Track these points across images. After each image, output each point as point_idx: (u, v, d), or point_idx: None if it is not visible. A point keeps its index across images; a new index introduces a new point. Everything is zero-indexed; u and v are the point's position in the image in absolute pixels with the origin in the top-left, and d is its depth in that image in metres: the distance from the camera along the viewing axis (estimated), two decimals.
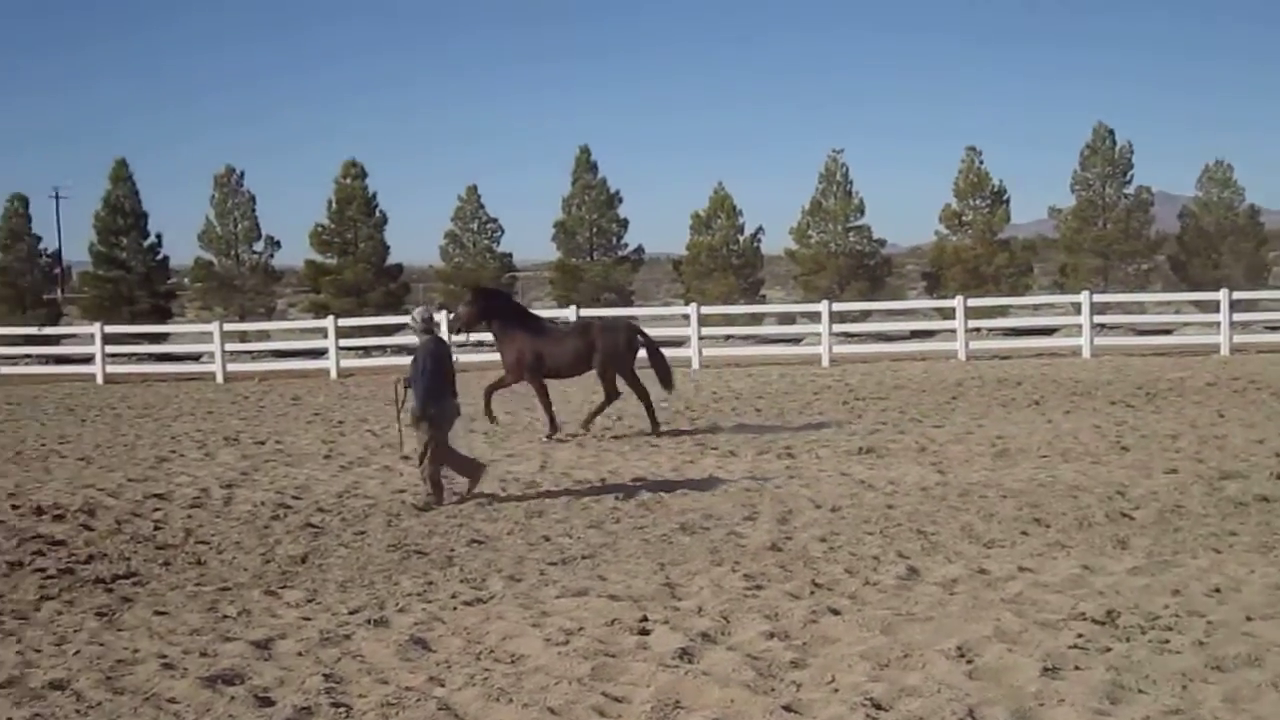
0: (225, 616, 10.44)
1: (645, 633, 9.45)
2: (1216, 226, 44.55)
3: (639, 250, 47.13)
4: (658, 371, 21.17)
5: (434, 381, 14.87)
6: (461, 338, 22.26)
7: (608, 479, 16.49)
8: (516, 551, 12.56)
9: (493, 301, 21.21)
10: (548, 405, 20.44)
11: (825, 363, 34.15)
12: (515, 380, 20.67)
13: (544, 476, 16.85)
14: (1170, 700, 7.61)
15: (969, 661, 8.47)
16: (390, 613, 10.35)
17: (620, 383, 20.75)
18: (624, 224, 46.60)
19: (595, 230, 46.28)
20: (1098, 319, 35.17)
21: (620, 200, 46.47)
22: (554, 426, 20.30)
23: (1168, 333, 37.27)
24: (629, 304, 43.72)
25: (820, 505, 14.32)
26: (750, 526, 13.22)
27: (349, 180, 45.96)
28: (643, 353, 20.97)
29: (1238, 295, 34.94)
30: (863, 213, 45.56)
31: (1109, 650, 8.58)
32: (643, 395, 20.81)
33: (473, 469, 15.47)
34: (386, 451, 19.54)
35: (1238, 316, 34.54)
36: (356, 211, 45.66)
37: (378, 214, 46.14)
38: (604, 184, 46.31)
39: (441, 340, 15.57)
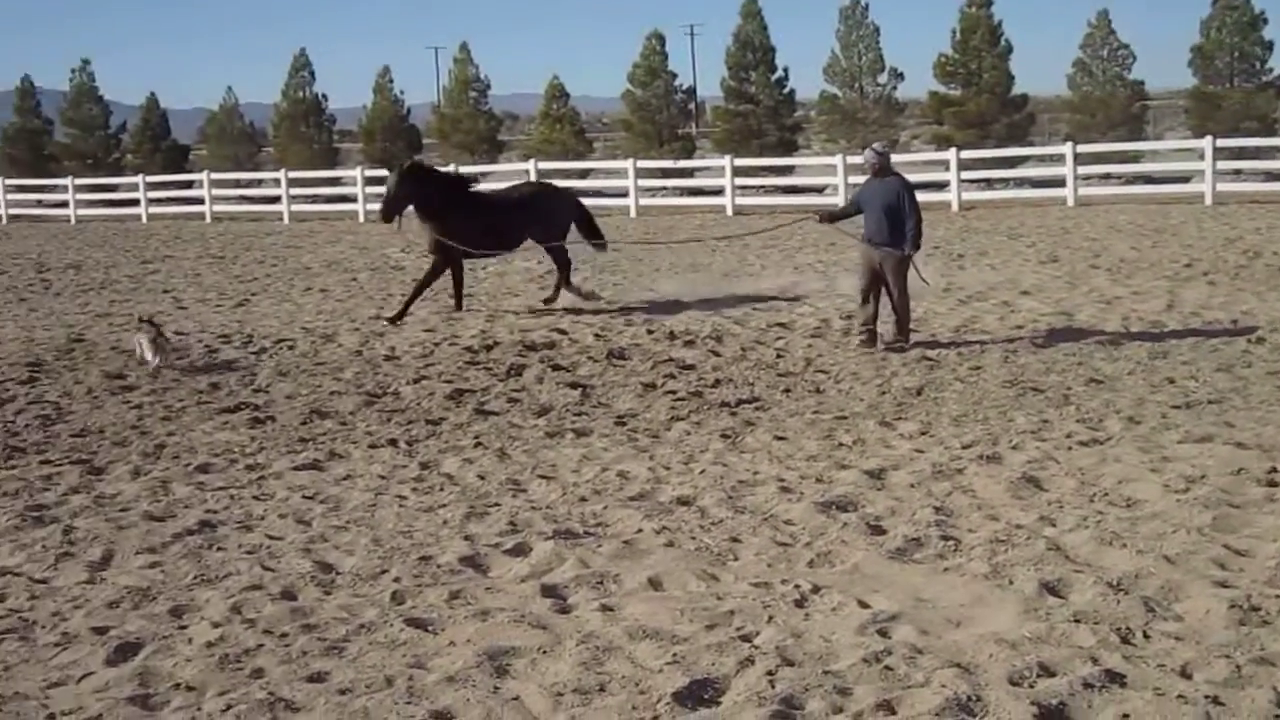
0: (841, 445, 10.71)
1: (1274, 484, 8.92)
2: None
3: None
4: (588, 236, 19.80)
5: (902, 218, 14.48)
6: (392, 224, 19.15)
7: (1240, 320, 15.58)
8: (1137, 393, 12.13)
9: (419, 186, 18.38)
10: (460, 288, 19.01)
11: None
12: (442, 269, 18.72)
13: (1170, 316, 16.13)
14: None
15: None
16: (1003, 449, 10.27)
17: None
18: (1269, 47, 43.20)
19: (1236, 55, 43.21)
20: None
21: (1265, 22, 43.08)
22: (460, 305, 18.89)
23: None
24: (1271, 134, 40.62)
25: None
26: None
27: (974, 9, 44.97)
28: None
29: None
30: None
31: None
32: (563, 267, 19.14)
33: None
34: (1005, 286, 19.28)
35: None
36: (981, 41, 44.72)
37: (1003, 43, 45.01)
38: (1248, 4, 43.05)
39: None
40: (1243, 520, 8.17)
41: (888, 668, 6.15)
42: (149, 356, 14.68)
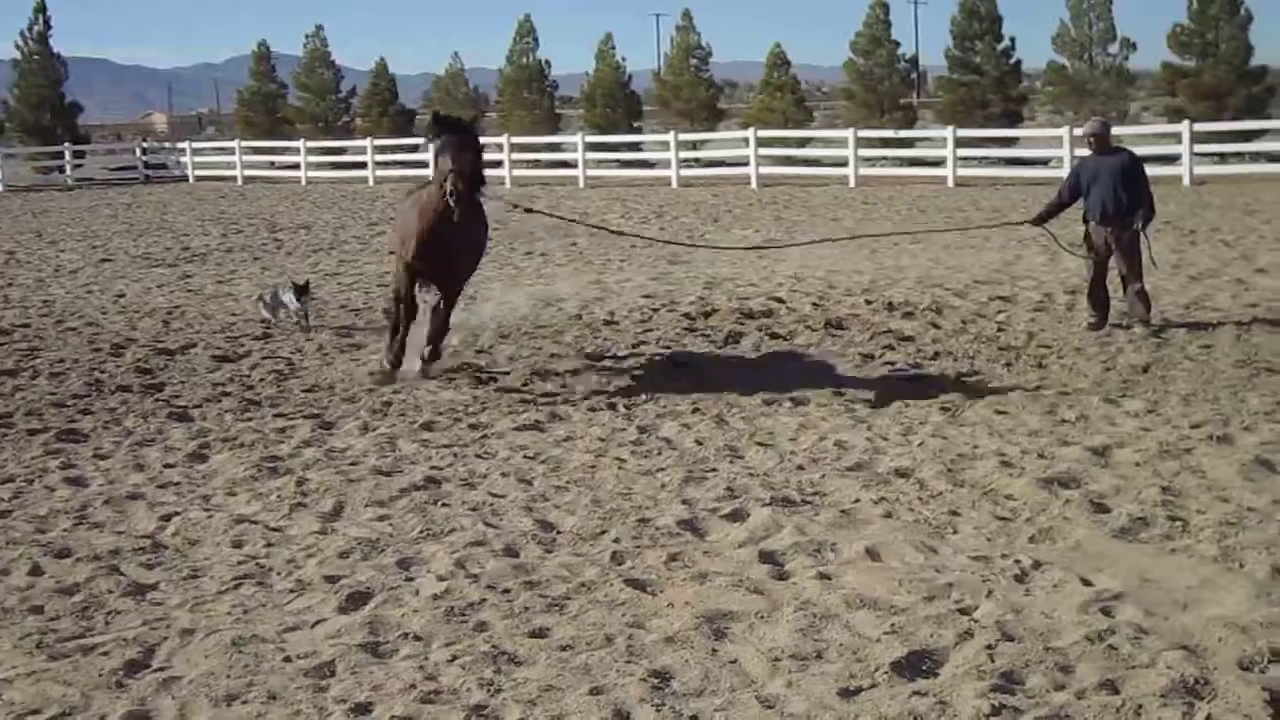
0: (1064, 420, 10.51)
1: None
2: None
3: None
4: None
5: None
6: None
7: None
8: None
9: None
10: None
11: None
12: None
13: None
14: None
15: None
16: (1235, 430, 9.96)
17: None
18: None
19: None
20: None
21: None
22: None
23: None
24: None
25: None
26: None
27: None
28: None
29: None
30: None
31: None
32: None
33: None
34: (1239, 264, 18.66)
35: None
36: (1219, 10, 43.16)
37: (1243, 12, 43.38)
38: None
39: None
40: None
41: (1111, 647, 6.05)
42: (292, 305, 15.41)
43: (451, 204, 11.42)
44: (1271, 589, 6.70)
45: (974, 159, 39.49)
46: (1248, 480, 8.68)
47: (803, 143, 44.94)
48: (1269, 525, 7.69)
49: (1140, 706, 5.45)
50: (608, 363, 13.35)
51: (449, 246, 12.11)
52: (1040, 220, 14.75)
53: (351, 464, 9.80)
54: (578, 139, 44.44)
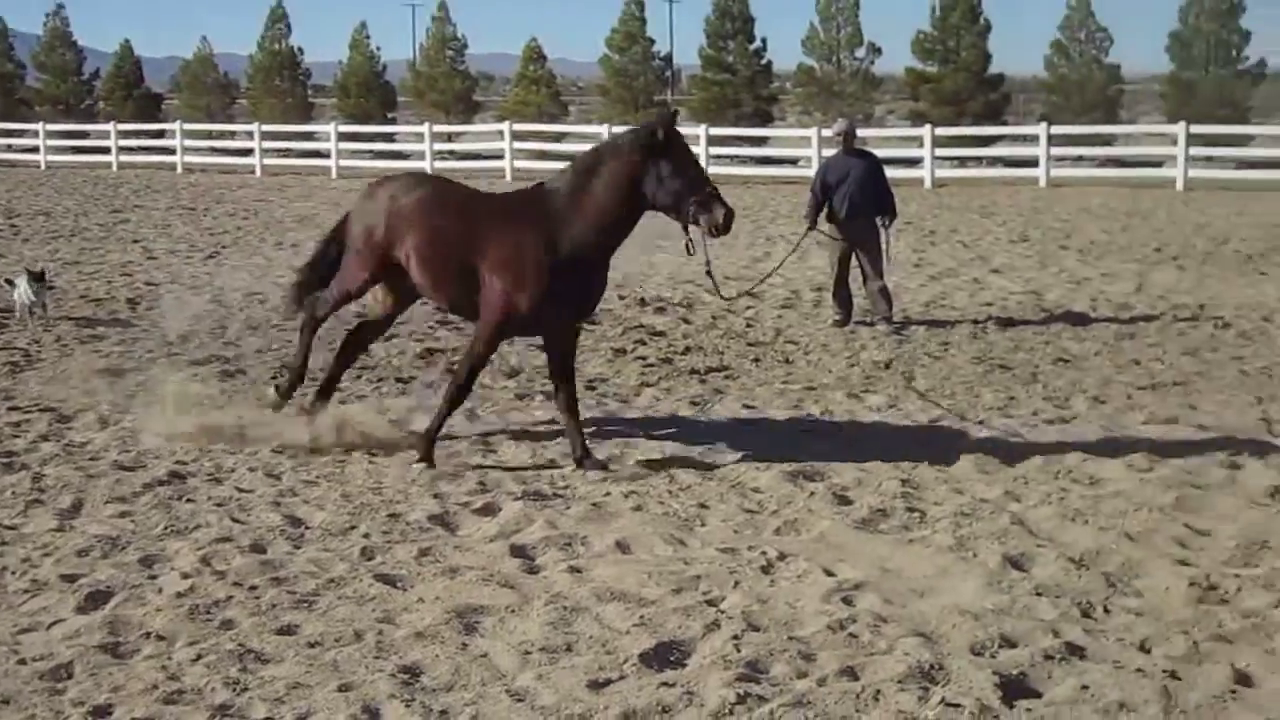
0: (808, 415, 10.78)
1: (1236, 467, 9.04)
2: None
3: (1261, 64, 43.82)
4: None
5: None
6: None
7: (1207, 305, 15.72)
8: (1103, 373, 12.25)
9: None
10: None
11: None
12: None
13: (1138, 299, 16.26)
14: None
15: None
16: (970, 425, 10.37)
17: None
18: (1246, 36, 43.39)
19: (1213, 42, 43.37)
20: None
21: (1243, 10, 43.23)
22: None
23: None
24: (1244, 121, 40.81)
25: None
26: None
27: None
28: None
29: None
30: None
31: None
32: None
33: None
34: (975, 264, 19.39)
35: None
36: (960, 18, 44.72)
37: (982, 21, 45.02)
38: None
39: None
40: (1204, 501, 8.29)
41: (852, 635, 6.23)
42: (28, 299, 14.70)
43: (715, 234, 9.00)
44: (1002, 577, 6.98)
45: (726, 157, 40.09)
46: (982, 473, 9.03)
47: (559, 137, 45.09)
48: (1000, 516, 8.01)
49: (879, 692, 5.63)
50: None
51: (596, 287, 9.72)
52: (814, 224, 14.98)
53: (91, 459, 9.48)
54: (330, 129, 43.79)
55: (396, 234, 9.47)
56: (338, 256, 10.04)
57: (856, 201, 14.46)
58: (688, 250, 9.16)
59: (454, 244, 9.29)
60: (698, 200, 8.82)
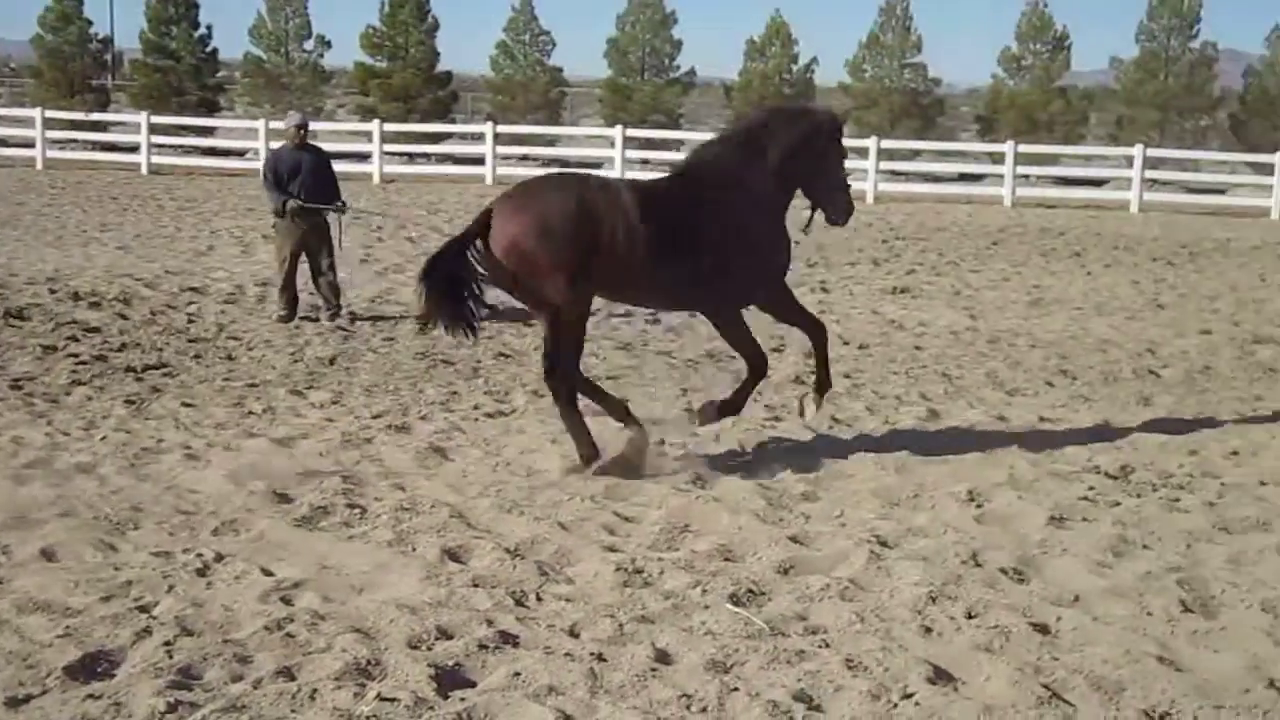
0: (251, 413, 10.60)
1: (663, 455, 9.54)
2: None
3: (691, 73, 46.58)
4: None
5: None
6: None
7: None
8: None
9: None
10: None
11: (870, 200, 33.69)
12: None
13: None
14: (1172, 558, 7.65)
15: (978, 506, 8.54)
16: (412, 419, 10.48)
17: None
18: (678, 45, 45.98)
19: (648, 50, 45.67)
20: (1150, 174, 34.67)
21: (675, 21, 45.79)
22: None
23: (1220, 193, 36.82)
24: (676, 126, 43.26)
25: (849, 342, 14.37)
26: (776, 359, 13.20)
27: None
28: None
29: None
30: (920, 50, 45.08)
31: (1118, 505, 8.63)
32: None
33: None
34: (421, 259, 19.56)
35: None
36: (409, 15, 45.09)
37: (430, 19, 45.58)
38: (659, 3, 45.59)
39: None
40: (632, 489, 8.71)
41: (289, 634, 6.17)
42: None
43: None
44: (440, 570, 7.10)
45: (170, 147, 38.72)
46: (423, 467, 9.16)
47: None
48: (440, 510, 8.14)
49: (315, 690, 5.60)
50: None
51: None
52: (283, 208, 14.57)
53: None
54: None
55: (616, 237, 8.86)
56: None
57: (306, 195, 14.41)
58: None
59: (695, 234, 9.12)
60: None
